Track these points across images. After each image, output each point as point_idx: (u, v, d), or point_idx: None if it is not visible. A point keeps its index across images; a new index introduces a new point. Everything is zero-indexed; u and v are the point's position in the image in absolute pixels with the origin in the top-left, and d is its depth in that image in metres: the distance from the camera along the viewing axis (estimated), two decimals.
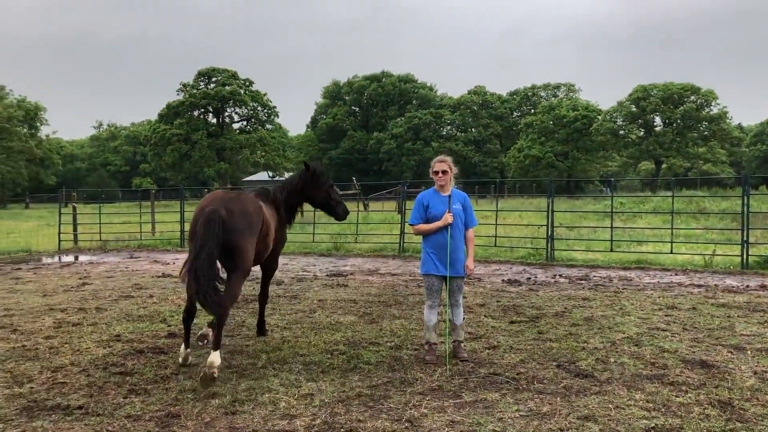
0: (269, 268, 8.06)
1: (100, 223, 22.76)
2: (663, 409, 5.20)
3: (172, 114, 74.82)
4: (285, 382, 6.02)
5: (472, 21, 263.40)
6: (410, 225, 6.86)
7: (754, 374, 6.12)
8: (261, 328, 8.08)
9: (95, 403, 5.48)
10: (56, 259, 18.13)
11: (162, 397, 5.62)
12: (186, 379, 6.13)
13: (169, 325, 8.59)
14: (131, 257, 18.09)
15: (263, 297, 8.16)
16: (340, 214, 8.10)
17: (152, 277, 13.57)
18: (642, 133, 70.37)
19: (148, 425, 4.99)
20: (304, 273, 14.14)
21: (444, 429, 4.84)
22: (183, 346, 6.72)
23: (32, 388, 5.94)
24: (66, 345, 7.53)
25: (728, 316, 8.81)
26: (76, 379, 6.17)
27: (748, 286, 11.62)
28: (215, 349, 5.90)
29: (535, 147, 74.29)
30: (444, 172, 6.76)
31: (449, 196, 6.77)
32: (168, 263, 16.35)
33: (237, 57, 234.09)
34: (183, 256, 18.13)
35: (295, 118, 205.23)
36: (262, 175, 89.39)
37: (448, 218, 6.63)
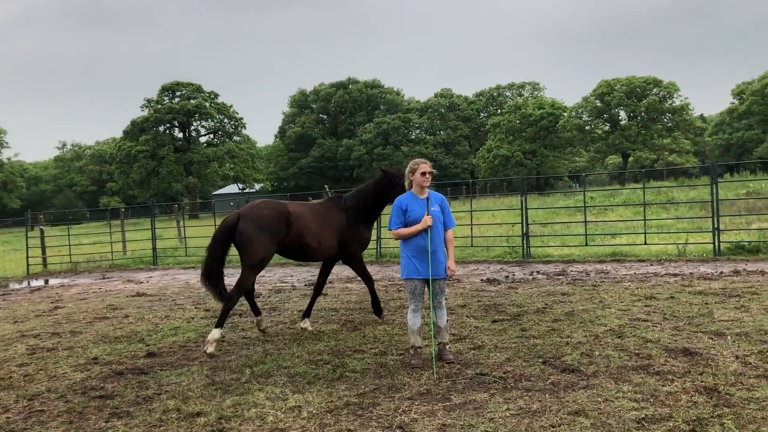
0: (350, 262, 8.94)
1: (69, 245, 22.32)
2: (651, 399, 5.22)
3: (137, 130, 73.98)
4: (271, 395, 5.92)
5: (436, 25, 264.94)
6: (390, 230, 6.81)
7: (736, 359, 6.18)
8: (376, 310, 9.09)
9: (76, 430, 5.33)
10: (25, 284, 17.72)
11: (146, 419, 5.48)
12: (169, 399, 5.98)
13: (147, 345, 8.41)
14: (103, 278, 17.75)
15: (367, 282, 9.06)
16: None
17: (127, 296, 13.32)
18: (608, 127, 71.40)
19: None
20: (282, 284, 14.01)
21: None
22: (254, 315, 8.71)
23: (9, 418, 5.75)
24: (41, 371, 7.32)
25: (706, 303, 8.92)
26: (54, 406, 5.99)
27: (722, 272, 11.79)
28: (216, 326, 7.67)
29: (503, 147, 74.92)
30: (430, 173, 6.77)
31: (427, 199, 6.74)
32: (142, 282, 16.08)
33: (201, 71, 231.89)
34: (156, 274, 17.85)
35: (263, 129, 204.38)
36: (232, 188, 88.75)
37: (427, 221, 6.60)
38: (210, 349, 7.52)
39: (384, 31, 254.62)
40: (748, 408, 4.91)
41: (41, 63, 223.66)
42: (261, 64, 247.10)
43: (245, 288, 7.93)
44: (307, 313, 8.87)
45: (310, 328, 8.68)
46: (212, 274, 7.86)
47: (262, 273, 16.42)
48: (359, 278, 13.70)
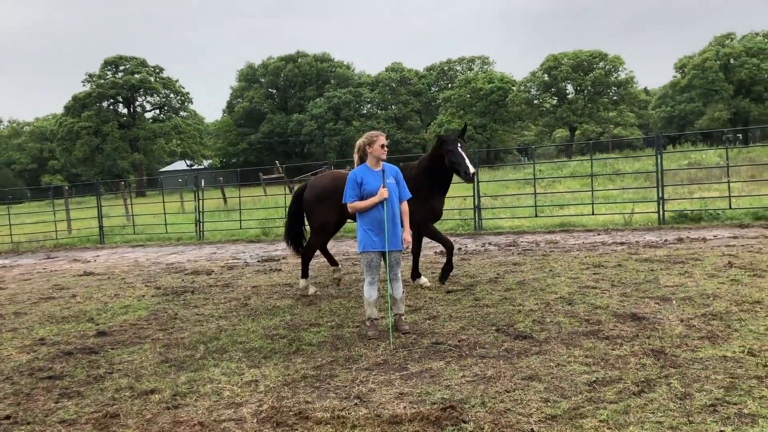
0: (419, 230, 9.00)
1: (10, 224, 21.57)
2: (602, 363, 5.37)
3: (79, 106, 71.49)
4: (227, 371, 5.87)
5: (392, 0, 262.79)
6: (346, 203, 6.77)
7: (681, 322, 6.41)
8: (443, 276, 9.25)
9: (24, 411, 5.18)
10: None
11: (97, 398, 5.37)
12: (121, 377, 5.87)
13: (96, 324, 8.22)
14: (48, 258, 17.24)
15: (445, 246, 9.07)
16: (461, 177, 8.46)
17: (73, 276, 12.97)
18: (555, 101, 72.40)
19: (85, 428, 4.76)
20: (235, 261, 13.85)
21: (393, 401, 4.83)
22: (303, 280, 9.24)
23: None
24: None
25: (651, 270, 9.19)
26: (0, 388, 5.82)
27: (666, 240, 12.17)
28: (302, 277, 9.22)
29: (454, 121, 75.21)
30: (387, 145, 6.77)
31: (382, 171, 6.73)
32: (89, 261, 15.67)
33: (146, 44, 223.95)
34: (104, 253, 17.43)
35: (210, 104, 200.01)
36: (180, 165, 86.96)
37: (383, 193, 6.59)
38: (310, 291, 9.11)
39: (335, 5, 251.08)
40: (692, 368, 5.10)
41: None
42: (208, 38, 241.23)
43: (314, 248, 9.13)
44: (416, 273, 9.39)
45: (427, 284, 9.16)
46: (290, 235, 9.50)
47: (212, 249, 16.23)
48: (296, 256, 13.61)
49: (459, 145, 8.41)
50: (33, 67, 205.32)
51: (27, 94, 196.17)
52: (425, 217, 8.86)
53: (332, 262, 9.64)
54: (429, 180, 8.80)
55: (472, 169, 8.25)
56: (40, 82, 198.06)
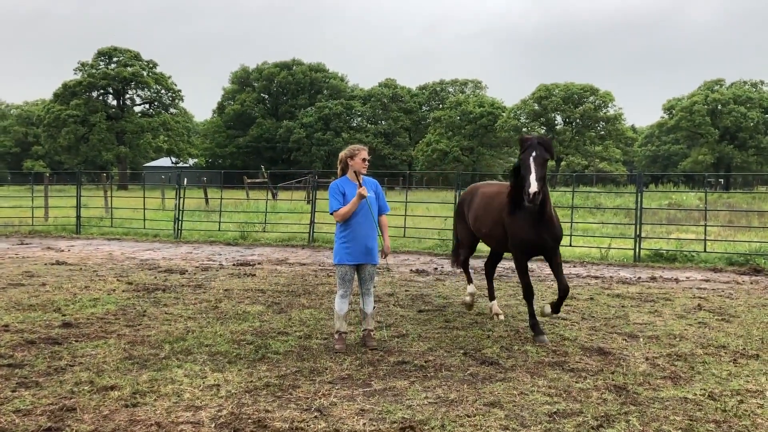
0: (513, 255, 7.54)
1: None
2: (564, 395, 5.40)
3: (68, 94, 70.94)
4: (189, 372, 5.82)
5: (388, 15, 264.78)
6: (332, 213, 6.72)
7: (646, 360, 6.46)
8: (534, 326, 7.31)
9: None
10: None
11: (56, 390, 5.30)
12: (82, 371, 5.79)
13: (63, 315, 8.11)
14: (22, 243, 17.00)
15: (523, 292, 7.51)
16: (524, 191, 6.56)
17: (45, 264, 12.80)
18: (543, 130, 73.09)
19: (39, 420, 4.69)
20: (210, 262, 13.76)
21: (354, 417, 4.82)
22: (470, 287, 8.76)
23: None
24: None
25: (622, 306, 9.27)
26: None
27: (639, 277, 12.29)
28: (468, 283, 8.86)
29: (442, 141, 75.70)
30: (368, 159, 6.79)
31: (359, 184, 6.75)
32: (63, 250, 15.48)
33: (143, 39, 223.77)
34: (79, 243, 17.23)
35: (201, 103, 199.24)
36: (165, 161, 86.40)
37: (363, 191, 6.56)
38: (467, 299, 8.61)
39: (334, 16, 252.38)
40: (653, 407, 5.14)
41: None
42: (206, 37, 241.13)
43: (460, 255, 8.98)
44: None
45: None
46: (455, 247, 9.33)
47: (188, 249, 16.12)
48: (271, 262, 13.59)
49: (534, 153, 6.57)
50: (27, 51, 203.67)
51: (17, 78, 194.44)
52: (515, 247, 7.29)
53: (470, 279, 8.96)
54: (511, 198, 7.14)
55: (533, 187, 6.31)
56: (33, 67, 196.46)
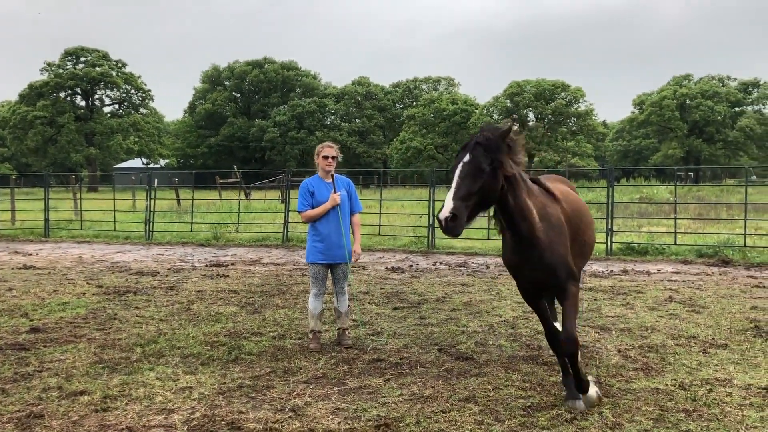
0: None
1: None
2: (538, 389, 5.43)
3: (34, 95, 69.56)
4: (161, 375, 5.74)
5: (362, 13, 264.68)
6: (299, 212, 6.72)
7: (618, 352, 6.53)
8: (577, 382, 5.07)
9: None
10: None
11: (23, 397, 5.19)
12: (51, 377, 5.68)
13: (31, 320, 7.95)
14: None
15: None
16: None
17: (12, 269, 12.54)
18: (516, 127, 73.56)
19: (6, 427, 4.58)
20: (182, 263, 13.60)
21: (328, 416, 4.79)
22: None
23: None
24: None
25: (595, 300, 9.36)
26: None
27: (612, 271, 12.42)
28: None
29: (416, 139, 75.78)
30: (333, 157, 6.72)
31: (333, 183, 6.72)
32: (30, 254, 15.19)
33: (111, 38, 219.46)
34: (47, 246, 16.92)
35: (172, 103, 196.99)
36: (136, 162, 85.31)
37: (335, 198, 6.57)
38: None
39: (306, 13, 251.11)
40: (625, 398, 5.19)
41: None
42: (176, 38, 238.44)
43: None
44: None
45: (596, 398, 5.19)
46: None
47: (160, 251, 15.91)
48: (245, 263, 13.47)
49: (466, 158, 4.66)
50: None
51: None
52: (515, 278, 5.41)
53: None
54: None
55: (443, 211, 4.42)
56: (1, 70, 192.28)
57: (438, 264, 13.53)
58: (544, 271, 4.99)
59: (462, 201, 4.44)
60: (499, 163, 4.62)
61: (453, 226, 4.39)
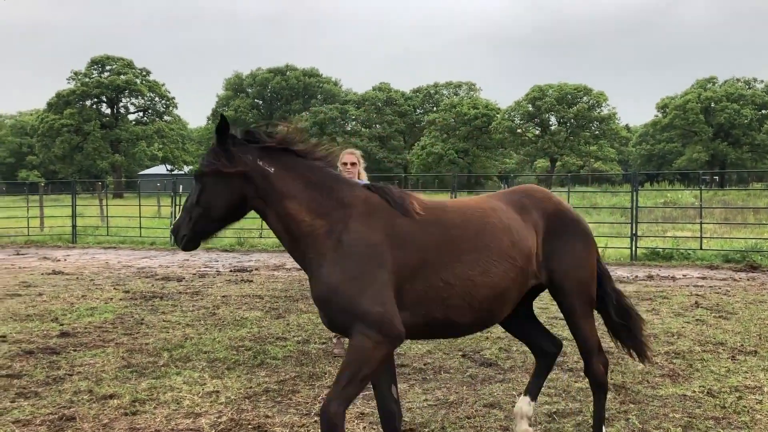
0: None
1: None
2: (563, 395, 5.41)
3: (62, 103, 70.77)
4: (188, 380, 5.82)
5: (381, 19, 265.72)
6: None
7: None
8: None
9: None
10: None
11: (55, 400, 5.29)
12: (81, 380, 5.78)
13: (61, 324, 8.10)
14: (18, 254, 16.96)
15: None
16: None
17: (42, 274, 12.77)
18: (538, 131, 73.20)
19: (39, 430, 4.69)
20: (207, 269, 13.75)
21: (353, 421, 4.82)
22: None
23: None
24: None
25: None
26: None
27: (636, 276, 12.31)
28: None
29: (437, 144, 75.70)
30: (353, 164, 6.74)
31: None
32: (59, 260, 15.45)
33: (136, 46, 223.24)
34: (75, 252, 17.19)
35: (196, 110, 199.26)
36: (160, 169, 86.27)
37: None
38: None
39: (327, 22, 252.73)
40: (652, 405, 5.15)
41: None
42: (199, 45, 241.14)
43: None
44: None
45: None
46: None
47: (185, 256, 16.07)
48: (268, 268, 13.54)
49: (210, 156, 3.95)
50: (21, 61, 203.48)
51: (13, 88, 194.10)
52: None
53: None
54: None
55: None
56: (27, 77, 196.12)
57: None
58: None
59: (184, 221, 4.10)
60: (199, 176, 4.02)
61: (182, 243, 4.04)
